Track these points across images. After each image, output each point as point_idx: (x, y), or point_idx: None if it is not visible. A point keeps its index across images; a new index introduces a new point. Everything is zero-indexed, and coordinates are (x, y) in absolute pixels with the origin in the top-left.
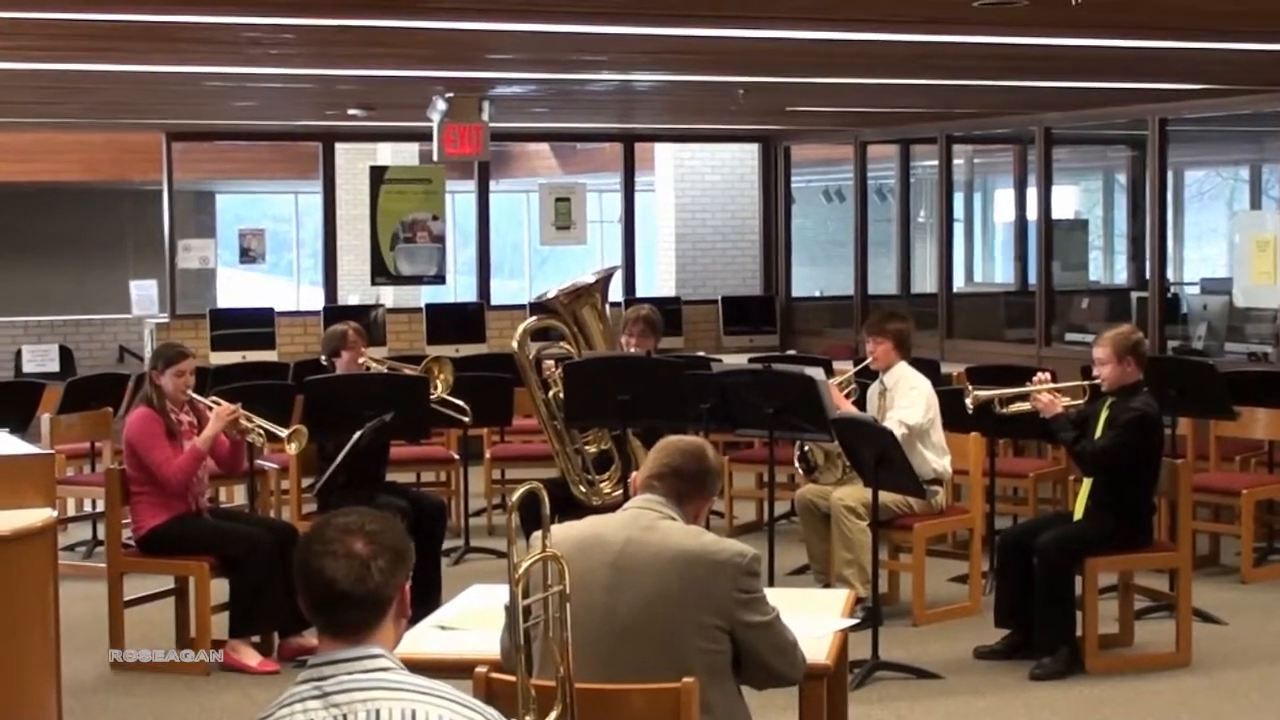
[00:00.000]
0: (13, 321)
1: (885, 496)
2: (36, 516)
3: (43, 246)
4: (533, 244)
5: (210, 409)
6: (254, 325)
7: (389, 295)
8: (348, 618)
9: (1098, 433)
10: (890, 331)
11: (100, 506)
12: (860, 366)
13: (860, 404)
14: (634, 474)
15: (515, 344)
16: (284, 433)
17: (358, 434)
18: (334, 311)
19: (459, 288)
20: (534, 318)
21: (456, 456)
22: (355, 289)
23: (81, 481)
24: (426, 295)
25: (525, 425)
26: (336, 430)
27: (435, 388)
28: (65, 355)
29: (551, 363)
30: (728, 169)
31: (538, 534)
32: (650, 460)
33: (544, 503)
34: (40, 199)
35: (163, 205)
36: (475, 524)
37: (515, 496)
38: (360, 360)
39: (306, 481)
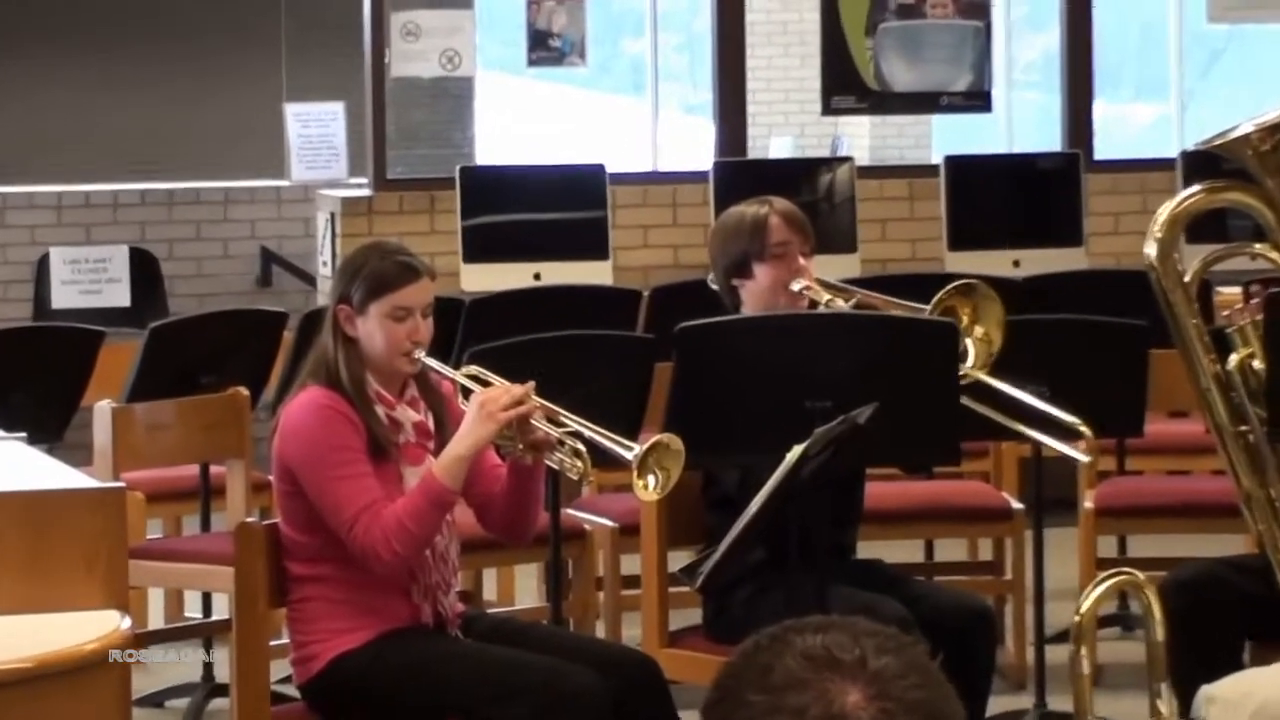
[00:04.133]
0: (30, 194)
1: None
2: (91, 628)
3: (102, 30)
4: (1190, 24)
5: (465, 393)
6: (560, 207)
7: (863, 140)
8: None
9: None
10: None
11: (224, 611)
12: None
13: None
14: None
15: (1152, 251)
16: (630, 452)
17: (797, 451)
18: (735, 174)
19: (1017, 123)
20: (1198, 189)
21: (1017, 505)
22: (785, 126)
23: (182, 554)
24: (943, 141)
25: (1173, 434)
26: (742, 445)
27: (966, 352)
28: (143, 268)
29: (1239, 291)
30: None
31: (1219, 686)
32: None
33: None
34: None
35: None
36: (1058, 656)
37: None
38: (799, 286)
39: (678, 560)
